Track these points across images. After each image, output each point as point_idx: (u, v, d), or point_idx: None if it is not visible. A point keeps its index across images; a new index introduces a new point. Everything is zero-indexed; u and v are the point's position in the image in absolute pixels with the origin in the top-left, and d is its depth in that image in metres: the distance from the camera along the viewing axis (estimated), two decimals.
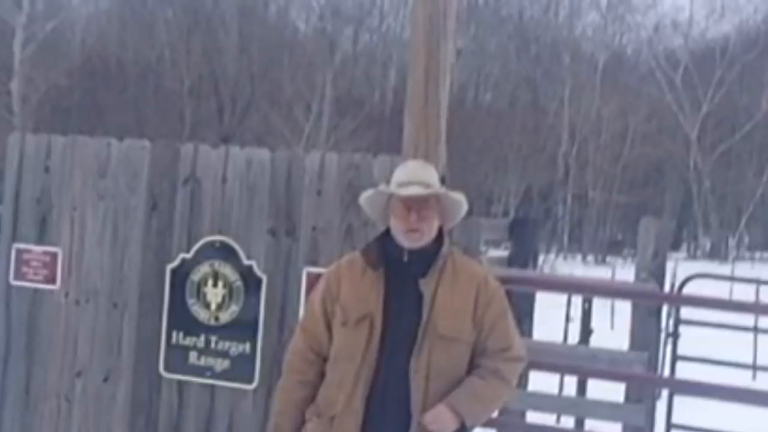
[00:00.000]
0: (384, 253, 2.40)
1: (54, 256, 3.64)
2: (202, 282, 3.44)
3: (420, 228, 2.37)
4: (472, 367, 2.38)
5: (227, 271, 3.41)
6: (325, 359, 2.44)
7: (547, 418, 4.71)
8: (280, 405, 2.48)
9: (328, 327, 2.42)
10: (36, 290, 3.66)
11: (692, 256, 31.18)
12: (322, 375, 2.44)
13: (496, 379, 2.36)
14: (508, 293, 2.57)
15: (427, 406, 2.29)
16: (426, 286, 2.35)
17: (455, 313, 2.35)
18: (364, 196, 2.50)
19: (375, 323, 2.33)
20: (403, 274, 2.38)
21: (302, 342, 2.47)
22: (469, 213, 2.59)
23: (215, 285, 3.43)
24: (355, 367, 2.32)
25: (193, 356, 3.43)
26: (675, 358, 6.10)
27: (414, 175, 2.41)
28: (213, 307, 3.43)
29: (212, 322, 3.42)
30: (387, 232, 2.45)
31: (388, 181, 2.49)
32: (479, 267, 2.57)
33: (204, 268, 3.44)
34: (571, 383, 5.18)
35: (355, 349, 2.33)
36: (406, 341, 2.31)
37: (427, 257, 2.38)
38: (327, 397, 2.39)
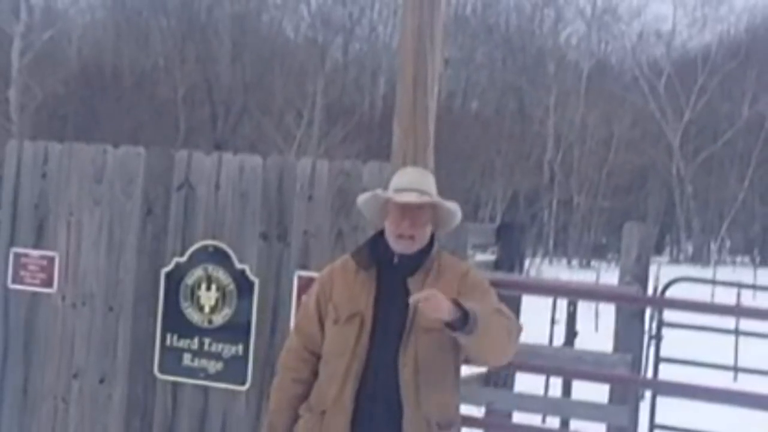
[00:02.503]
0: (376, 253, 2.48)
1: (51, 260, 3.69)
2: (196, 285, 3.50)
3: (412, 234, 2.44)
4: (461, 359, 2.45)
5: (220, 274, 3.48)
6: (319, 358, 2.50)
7: (533, 419, 4.80)
8: (275, 403, 2.55)
9: (322, 326, 2.50)
10: (33, 293, 3.71)
11: (675, 260, 31.47)
12: (316, 373, 2.51)
13: (499, 313, 2.37)
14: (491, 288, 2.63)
15: (416, 399, 2.36)
16: (413, 283, 2.43)
17: None
18: (362, 198, 2.57)
19: (365, 320, 2.40)
20: (393, 274, 2.46)
21: (297, 341, 2.54)
22: None
23: (209, 288, 3.50)
24: (345, 362, 2.39)
25: (186, 358, 3.49)
26: (658, 359, 6.21)
27: (412, 182, 2.49)
28: (206, 309, 3.49)
29: (206, 325, 3.49)
30: (381, 233, 2.52)
31: (386, 186, 2.57)
32: (464, 263, 2.64)
33: (198, 272, 3.50)
34: (556, 384, 5.28)
35: (346, 346, 2.41)
36: (395, 337, 2.38)
37: (417, 258, 2.46)
38: (319, 393, 2.46)
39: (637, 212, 30.44)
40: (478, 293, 2.42)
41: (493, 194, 29.36)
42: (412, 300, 2.27)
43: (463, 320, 2.24)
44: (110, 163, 3.64)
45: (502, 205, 29.34)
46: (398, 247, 2.44)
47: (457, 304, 2.24)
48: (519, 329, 2.45)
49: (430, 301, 2.23)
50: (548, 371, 4.33)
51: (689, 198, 32.26)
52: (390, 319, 2.41)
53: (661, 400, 5.60)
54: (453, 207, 2.50)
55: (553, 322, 6.64)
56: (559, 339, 5.80)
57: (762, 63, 31.73)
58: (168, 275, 3.54)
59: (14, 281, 3.73)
